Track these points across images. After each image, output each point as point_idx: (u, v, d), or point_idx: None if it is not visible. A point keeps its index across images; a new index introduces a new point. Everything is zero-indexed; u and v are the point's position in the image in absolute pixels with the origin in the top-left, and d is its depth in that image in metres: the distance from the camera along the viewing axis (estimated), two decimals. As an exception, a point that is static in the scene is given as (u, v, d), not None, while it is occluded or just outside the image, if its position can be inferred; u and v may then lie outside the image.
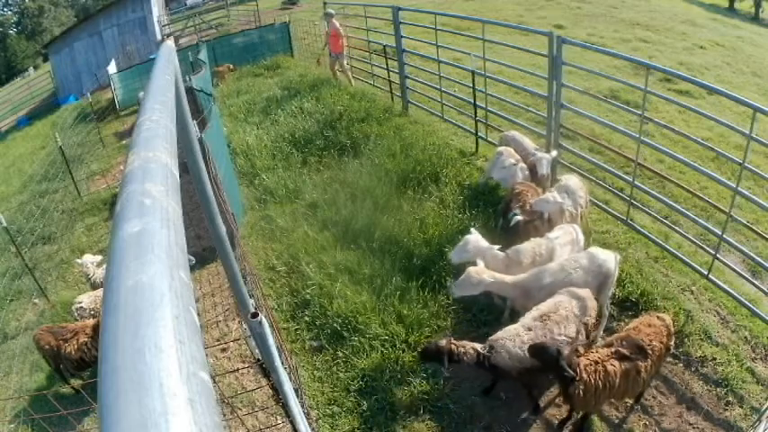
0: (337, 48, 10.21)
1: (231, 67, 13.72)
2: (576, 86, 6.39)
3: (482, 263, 4.13)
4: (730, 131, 5.44)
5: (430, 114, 8.46)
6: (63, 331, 4.61)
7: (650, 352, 3.36)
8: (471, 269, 4.03)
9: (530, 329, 3.58)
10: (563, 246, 4.34)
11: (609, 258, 4.05)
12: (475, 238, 4.34)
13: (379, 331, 4.52)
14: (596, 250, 4.14)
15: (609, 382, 3.27)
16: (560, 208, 4.73)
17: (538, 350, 3.30)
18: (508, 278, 4.04)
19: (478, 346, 3.62)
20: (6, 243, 7.05)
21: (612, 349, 3.40)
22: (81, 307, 5.07)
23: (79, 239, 7.82)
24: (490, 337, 3.67)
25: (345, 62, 10.46)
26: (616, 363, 3.31)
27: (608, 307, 4.28)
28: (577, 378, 3.21)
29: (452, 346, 3.61)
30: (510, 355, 3.50)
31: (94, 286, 5.51)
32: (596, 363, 3.31)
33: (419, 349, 4.07)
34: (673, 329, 3.61)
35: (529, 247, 4.33)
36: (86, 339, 4.54)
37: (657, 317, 3.59)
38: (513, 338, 3.55)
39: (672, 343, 3.61)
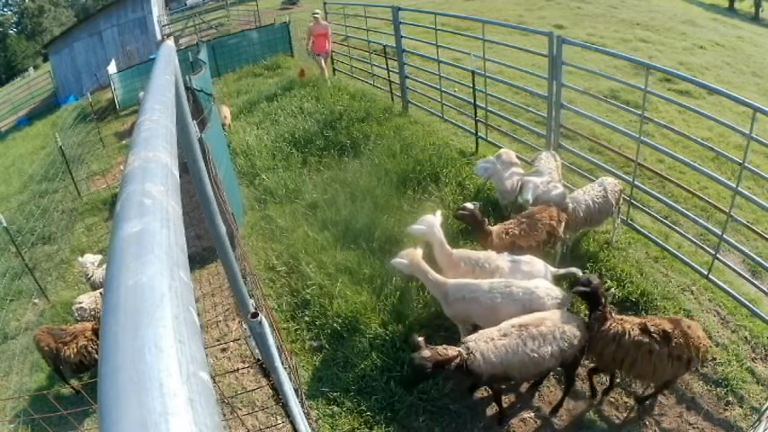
0: (324, 47, 10.73)
1: (227, 116, 9.92)
2: (576, 86, 6.38)
3: (420, 250, 4.02)
4: (730, 131, 5.45)
5: (430, 114, 8.46)
6: (63, 334, 4.61)
7: (672, 343, 3.40)
8: (406, 250, 3.98)
9: (505, 335, 3.41)
10: (509, 274, 3.99)
11: (548, 296, 3.70)
12: (433, 219, 4.19)
13: (379, 331, 4.52)
14: (537, 283, 3.78)
15: (624, 341, 3.43)
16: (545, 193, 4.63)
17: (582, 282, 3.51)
18: (432, 274, 3.91)
19: (453, 349, 3.41)
20: (6, 243, 7.05)
21: (641, 321, 3.53)
22: (81, 307, 5.07)
23: (79, 239, 7.82)
24: (464, 339, 3.51)
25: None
26: (637, 329, 3.45)
27: None
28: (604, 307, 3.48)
29: (438, 356, 3.32)
30: (484, 359, 3.35)
31: (93, 286, 5.51)
32: (622, 320, 3.51)
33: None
34: (704, 350, 3.48)
35: (474, 256, 4.15)
36: (86, 342, 4.54)
37: (699, 333, 3.51)
38: (488, 342, 3.40)
39: (695, 359, 3.47)
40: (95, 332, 4.59)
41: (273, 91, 10.89)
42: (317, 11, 10.72)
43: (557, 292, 3.78)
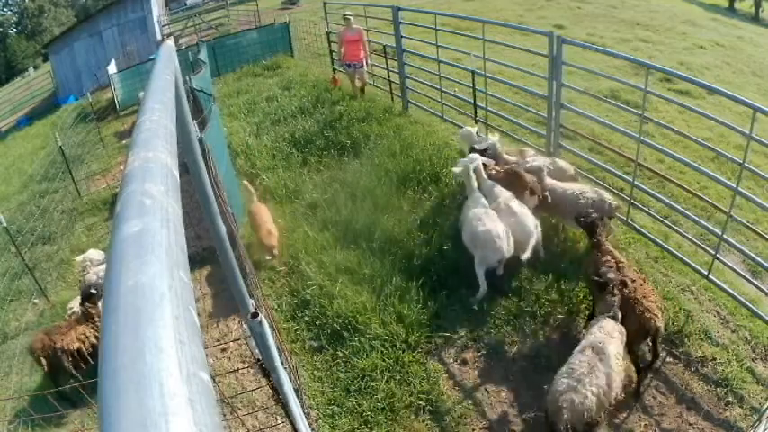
0: (358, 56, 9.02)
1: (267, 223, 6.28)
2: (576, 86, 6.38)
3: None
4: (730, 131, 5.43)
5: (430, 114, 8.46)
6: (56, 329, 4.70)
7: (627, 287, 3.79)
8: (475, 155, 5.23)
9: (591, 367, 3.35)
10: (501, 211, 4.88)
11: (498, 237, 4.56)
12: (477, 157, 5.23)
13: (379, 331, 4.52)
14: (499, 228, 4.61)
15: (598, 268, 3.95)
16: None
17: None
18: (475, 186, 5.07)
19: None
20: (6, 243, 7.05)
21: (623, 262, 4.07)
22: (74, 311, 5.06)
23: (79, 239, 7.82)
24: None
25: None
26: (612, 263, 3.98)
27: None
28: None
29: None
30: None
31: (81, 286, 5.30)
32: (611, 253, 4.11)
33: None
34: (640, 312, 3.75)
35: (497, 191, 5.06)
36: (84, 329, 4.65)
37: (648, 299, 3.81)
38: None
39: (632, 316, 3.75)
40: (86, 315, 4.72)
41: (273, 91, 10.88)
42: (349, 12, 8.99)
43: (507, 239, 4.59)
